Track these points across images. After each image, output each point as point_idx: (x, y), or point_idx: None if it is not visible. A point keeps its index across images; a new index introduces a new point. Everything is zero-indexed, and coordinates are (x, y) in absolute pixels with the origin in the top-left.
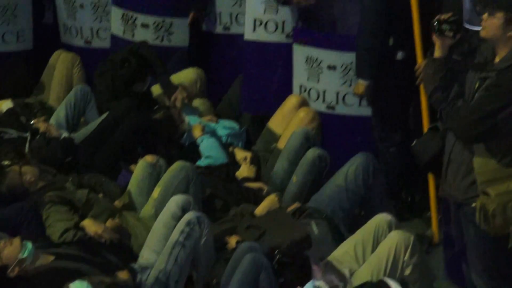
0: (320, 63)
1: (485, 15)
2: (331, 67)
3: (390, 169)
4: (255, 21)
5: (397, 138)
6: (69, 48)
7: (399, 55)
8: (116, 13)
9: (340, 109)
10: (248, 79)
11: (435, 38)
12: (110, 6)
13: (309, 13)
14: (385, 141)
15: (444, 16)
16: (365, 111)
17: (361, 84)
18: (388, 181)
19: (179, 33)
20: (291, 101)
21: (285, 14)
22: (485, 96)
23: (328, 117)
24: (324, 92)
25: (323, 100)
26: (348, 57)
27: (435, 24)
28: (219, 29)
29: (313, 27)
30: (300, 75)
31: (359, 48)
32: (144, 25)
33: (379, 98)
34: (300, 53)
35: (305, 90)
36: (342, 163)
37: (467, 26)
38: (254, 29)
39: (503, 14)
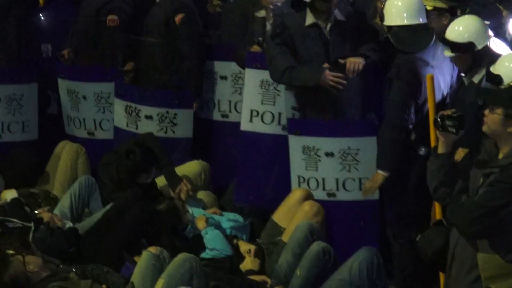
0: (317, 151)
1: (486, 111)
2: (329, 154)
3: (403, 266)
4: (251, 111)
5: (412, 235)
6: (73, 139)
7: (422, 150)
8: (119, 105)
9: (341, 196)
10: (243, 170)
11: (438, 134)
12: (113, 97)
13: (305, 102)
14: (399, 237)
15: (447, 112)
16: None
17: (381, 175)
18: (402, 277)
19: (183, 124)
20: (295, 194)
21: (282, 106)
22: (489, 192)
23: (330, 204)
24: (323, 180)
25: (323, 188)
26: (345, 142)
27: (438, 119)
28: (217, 116)
29: (309, 115)
30: (297, 165)
31: (383, 140)
32: (148, 117)
33: (397, 194)
34: (296, 143)
35: (303, 180)
36: (346, 251)
37: None
38: (251, 119)
39: (502, 110)
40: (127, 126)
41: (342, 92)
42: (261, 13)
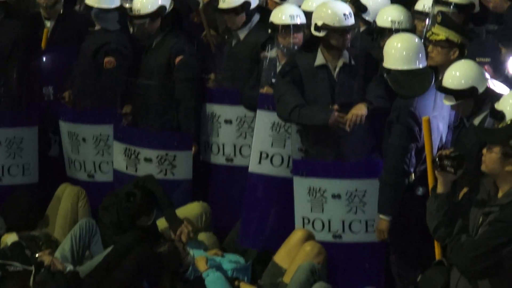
0: (323, 192)
1: (484, 150)
2: (336, 196)
3: None
4: (261, 153)
5: (417, 275)
6: (74, 181)
7: (420, 191)
8: (118, 148)
9: (347, 237)
10: (250, 212)
11: (437, 174)
12: (112, 140)
13: (310, 143)
14: (404, 277)
15: (445, 152)
16: (372, 236)
17: (384, 220)
18: None
19: (182, 166)
20: (296, 235)
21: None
22: (488, 231)
23: (335, 246)
24: (329, 221)
25: (329, 230)
26: (352, 184)
27: (436, 160)
28: (221, 160)
29: (314, 156)
30: (302, 207)
31: (383, 184)
32: (147, 159)
33: (399, 234)
34: (301, 184)
35: (308, 222)
36: None
37: None
38: (260, 161)
39: (499, 148)
40: (126, 168)
41: (346, 134)
42: (273, 53)
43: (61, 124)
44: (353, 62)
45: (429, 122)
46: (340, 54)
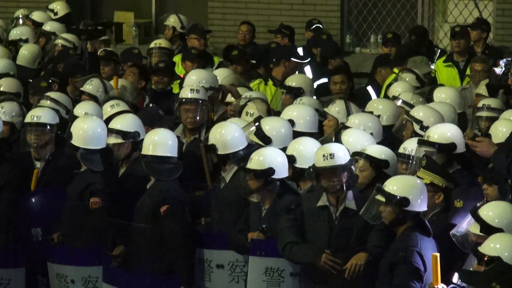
0: None
1: None
2: None
3: None
4: None
5: None
6: None
7: None
8: None
9: None
10: None
11: None
12: (101, 282)
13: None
14: None
15: None
16: None
17: None
18: None
19: None
20: None
21: None
22: None
23: None
24: None
25: None
26: None
27: None
28: None
29: None
30: None
31: None
32: None
33: None
34: None
35: None
36: None
37: None
38: None
39: None
40: None
41: (344, 281)
42: (255, 198)
43: (49, 266)
44: (354, 207)
45: (437, 258)
46: (343, 197)
